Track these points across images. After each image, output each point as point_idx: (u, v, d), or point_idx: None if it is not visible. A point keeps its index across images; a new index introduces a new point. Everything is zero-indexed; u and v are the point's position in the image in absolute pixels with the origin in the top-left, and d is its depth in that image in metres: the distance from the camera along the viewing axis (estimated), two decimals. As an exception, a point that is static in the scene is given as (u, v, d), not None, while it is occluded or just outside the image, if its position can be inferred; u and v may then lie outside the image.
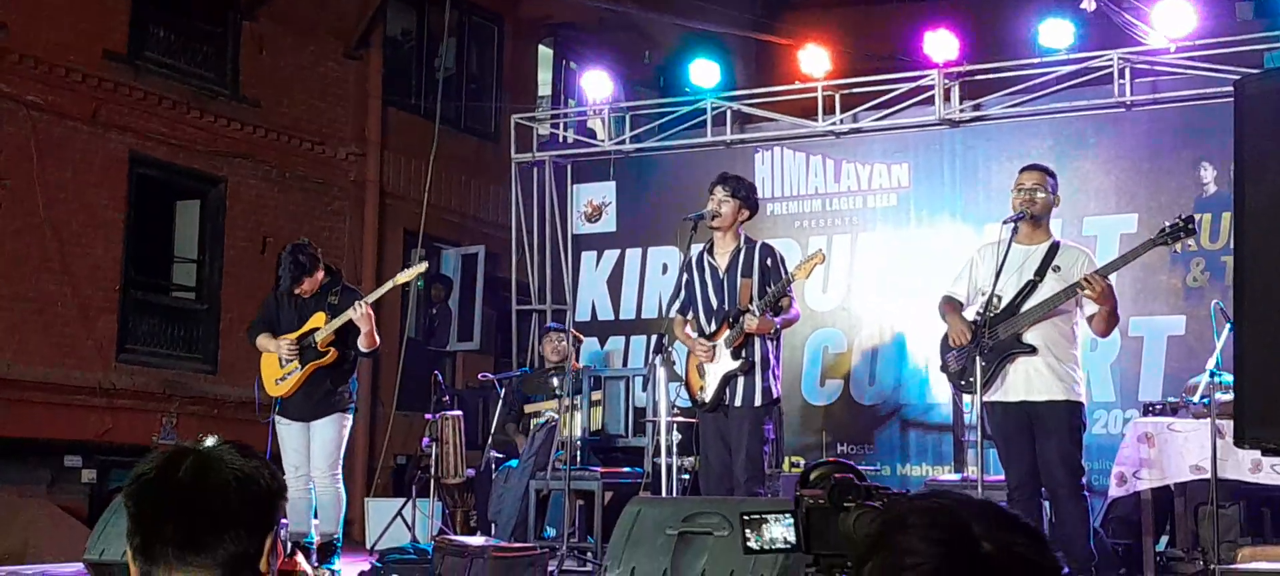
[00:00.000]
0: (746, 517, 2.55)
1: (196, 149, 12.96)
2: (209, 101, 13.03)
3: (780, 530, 2.50)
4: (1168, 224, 6.28)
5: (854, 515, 2.33)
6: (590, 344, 10.55)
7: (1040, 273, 6.35)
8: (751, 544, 2.53)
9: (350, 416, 7.85)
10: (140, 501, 2.13)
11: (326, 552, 7.67)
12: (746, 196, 7.34)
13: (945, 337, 6.64)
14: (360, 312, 7.55)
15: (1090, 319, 6.39)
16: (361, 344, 7.65)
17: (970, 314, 6.50)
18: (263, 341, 7.87)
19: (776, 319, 7.15)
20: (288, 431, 7.74)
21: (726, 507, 6.02)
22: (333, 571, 7.65)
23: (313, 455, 7.67)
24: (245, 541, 2.11)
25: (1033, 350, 6.27)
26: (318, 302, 7.77)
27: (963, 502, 1.57)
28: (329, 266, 7.98)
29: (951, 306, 6.62)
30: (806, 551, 2.35)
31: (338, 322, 7.62)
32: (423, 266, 8.35)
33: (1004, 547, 1.53)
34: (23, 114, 11.48)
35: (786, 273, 7.20)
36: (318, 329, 7.69)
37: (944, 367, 6.68)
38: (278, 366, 7.76)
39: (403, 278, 8.16)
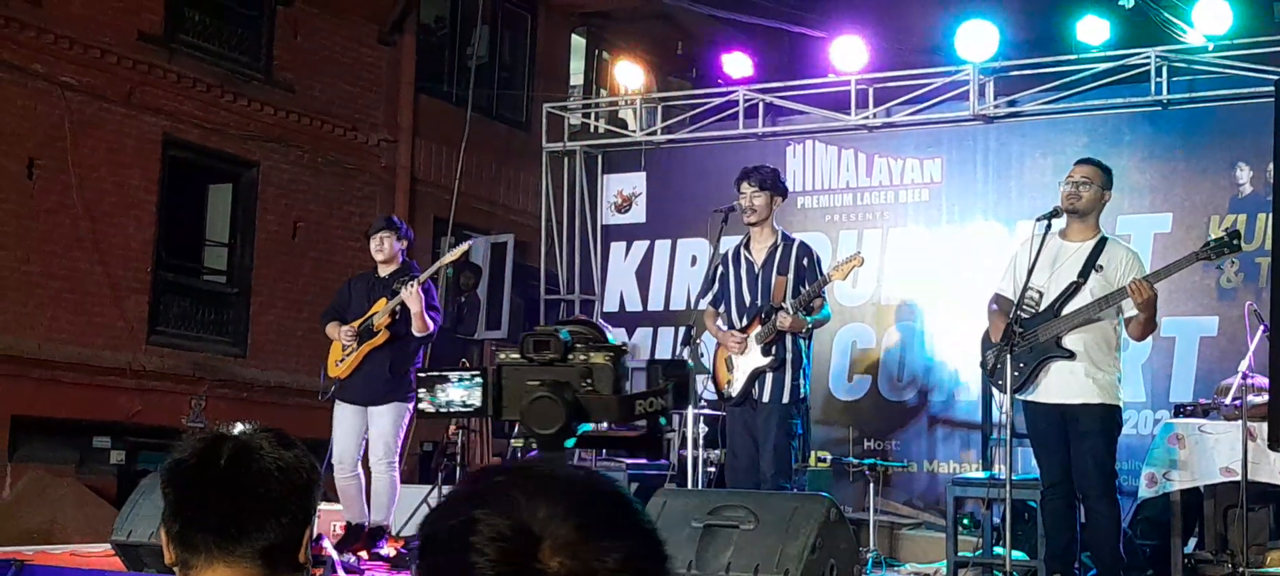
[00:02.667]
0: (422, 376, 2.17)
1: (229, 132, 13.01)
2: (243, 85, 13.08)
3: (459, 392, 2.14)
4: (1213, 238, 6.21)
5: (533, 396, 1.95)
6: (618, 334, 10.53)
7: (1083, 274, 6.27)
8: (425, 406, 2.16)
9: (410, 406, 7.79)
10: (180, 488, 2.12)
11: (375, 537, 7.71)
12: (774, 185, 7.33)
13: (986, 334, 6.59)
14: (410, 291, 7.56)
15: (1129, 321, 6.31)
16: (414, 327, 7.66)
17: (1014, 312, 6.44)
18: (330, 330, 7.95)
19: (809, 319, 7.13)
20: (343, 413, 7.76)
21: (752, 501, 6.01)
22: (377, 555, 7.68)
23: (371, 440, 7.69)
24: (285, 531, 2.10)
25: (1071, 355, 6.21)
26: (384, 288, 7.83)
27: (552, 501, 1.28)
28: (407, 259, 8.02)
29: (1002, 304, 6.53)
30: (495, 417, 1.98)
31: (394, 304, 7.67)
32: (466, 245, 8.39)
33: (581, 570, 1.26)
34: (57, 94, 11.55)
35: (822, 273, 7.18)
36: (377, 313, 7.75)
37: (983, 364, 6.64)
38: (340, 350, 7.84)
39: (449, 257, 8.25)
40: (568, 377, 1.86)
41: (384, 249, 7.84)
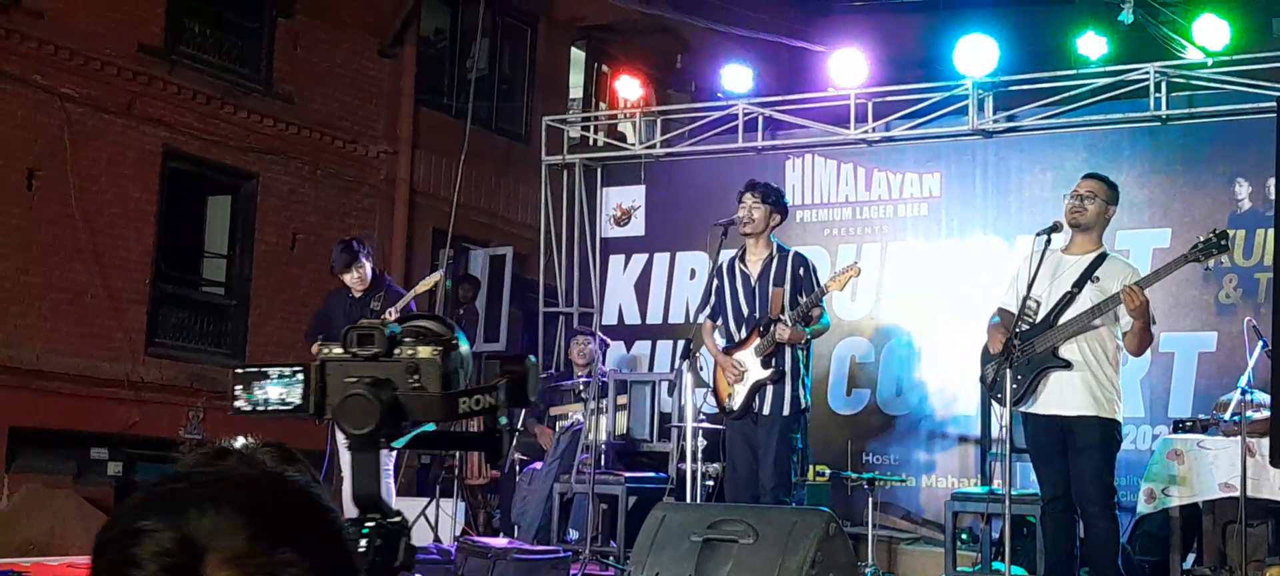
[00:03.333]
0: (238, 371, 2.02)
1: (229, 144, 13.02)
2: (243, 97, 13.09)
3: (278, 389, 1.99)
4: (1201, 239, 6.21)
5: (346, 393, 1.81)
6: (616, 348, 10.53)
7: (1079, 284, 6.28)
8: (240, 405, 2.01)
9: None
10: None
11: None
12: (776, 201, 7.34)
13: (985, 348, 6.59)
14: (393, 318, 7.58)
15: (1125, 335, 6.31)
16: None
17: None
18: (317, 348, 7.91)
19: (807, 329, 7.13)
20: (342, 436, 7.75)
21: (752, 514, 6.00)
22: None
23: None
24: None
25: (1068, 365, 6.21)
26: (362, 308, 7.82)
27: (222, 508, 1.21)
28: (376, 271, 8.03)
29: (1005, 319, 6.52)
30: (319, 416, 1.89)
31: None
32: (438, 276, 8.40)
33: None
34: (57, 105, 11.55)
35: (819, 283, 7.18)
36: None
37: (982, 378, 6.64)
38: None
39: (422, 287, 8.27)
40: (392, 374, 1.78)
41: (359, 278, 7.87)
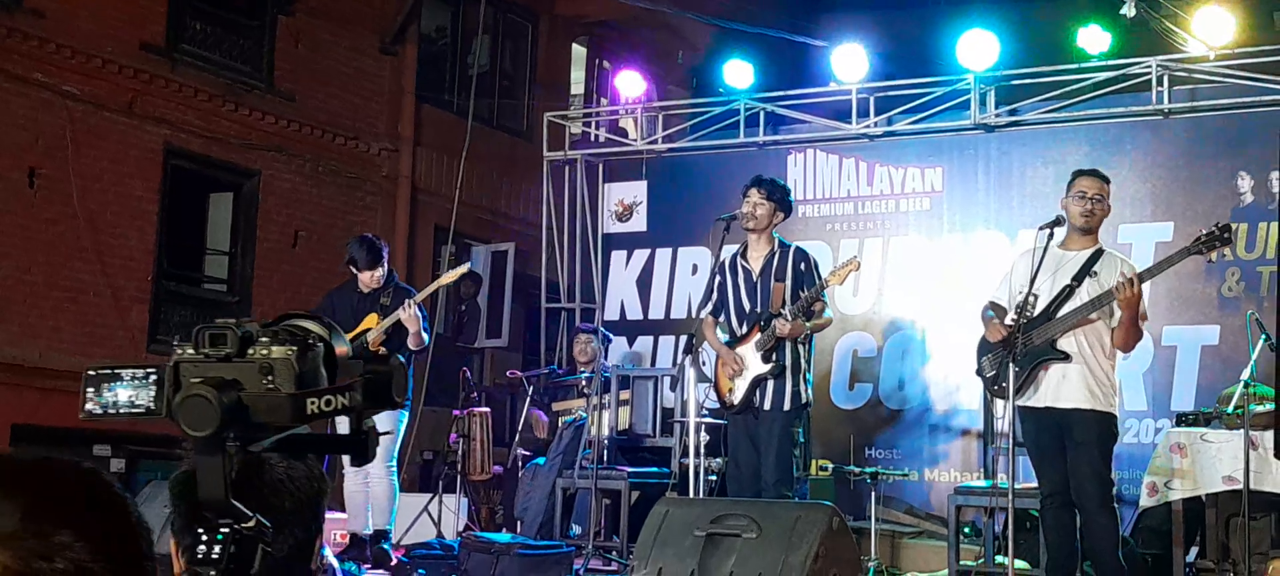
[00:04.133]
0: (90, 372, 1.92)
1: (231, 141, 13.02)
2: (244, 94, 13.09)
3: (128, 391, 1.89)
4: (1204, 232, 6.21)
5: (186, 393, 1.73)
6: (619, 343, 10.53)
7: (1078, 278, 6.29)
8: (91, 407, 1.91)
9: (405, 414, 7.85)
10: (189, 498, 2.12)
11: (377, 540, 7.74)
12: (781, 199, 7.34)
13: (982, 340, 6.59)
14: (409, 313, 7.58)
15: (1114, 331, 6.30)
16: (409, 343, 7.66)
17: (1010, 318, 6.44)
18: None
19: (808, 323, 7.13)
20: (343, 427, 7.73)
21: (755, 509, 6.00)
22: (382, 557, 7.70)
23: None
24: (297, 541, 2.11)
25: (1066, 357, 6.22)
26: (372, 303, 7.81)
27: None
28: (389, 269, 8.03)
29: (995, 310, 6.55)
30: (171, 417, 1.80)
31: (388, 323, 7.65)
32: (464, 268, 8.41)
33: (21, 566, 1.17)
34: (59, 104, 11.56)
35: (820, 278, 7.18)
36: (370, 330, 7.72)
37: (979, 371, 6.64)
38: None
39: (447, 278, 8.24)
40: (241, 375, 1.71)
41: (377, 277, 7.84)
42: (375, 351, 7.69)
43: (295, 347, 1.73)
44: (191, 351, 1.75)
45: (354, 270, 7.91)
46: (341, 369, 1.83)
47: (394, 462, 7.79)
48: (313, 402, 1.72)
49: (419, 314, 7.67)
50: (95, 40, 11.81)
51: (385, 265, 7.87)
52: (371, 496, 7.73)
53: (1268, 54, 9.04)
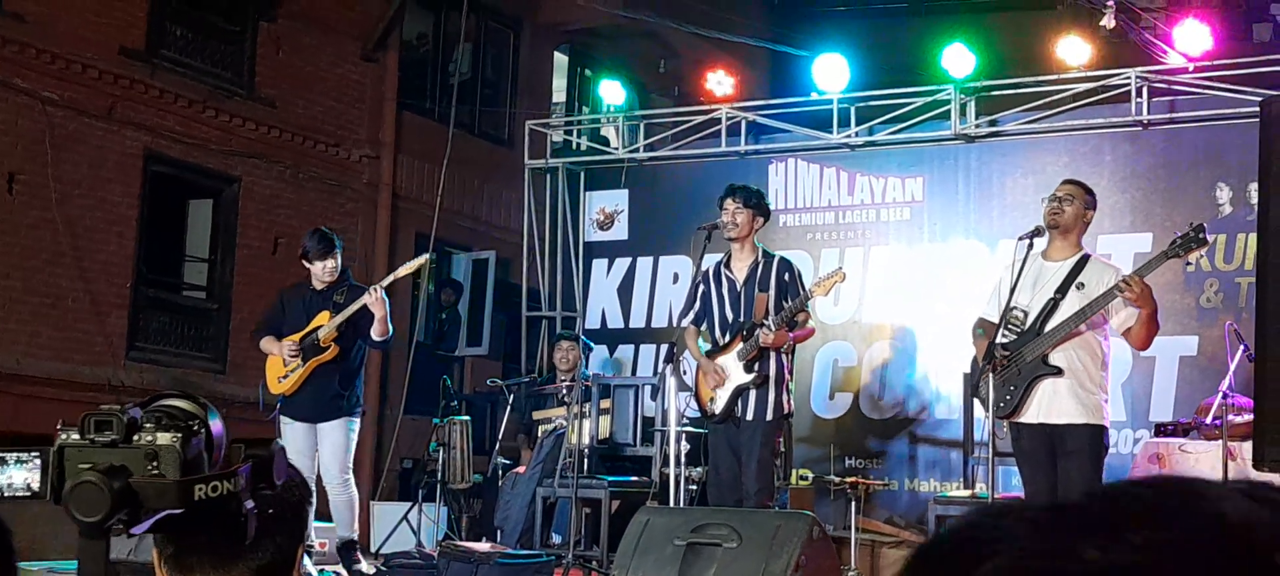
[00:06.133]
0: None
1: (211, 147, 12.98)
2: (225, 100, 13.05)
3: (21, 473, 1.89)
4: (1178, 234, 6.17)
5: (77, 480, 1.73)
6: (600, 352, 10.53)
7: (1062, 290, 6.26)
8: None
9: (358, 420, 7.81)
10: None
11: (348, 551, 7.67)
12: (758, 204, 7.35)
13: (974, 360, 6.58)
14: (374, 297, 7.48)
15: (1126, 332, 6.23)
16: (374, 332, 7.58)
17: (999, 335, 6.39)
18: (266, 343, 7.82)
19: (791, 334, 7.14)
20: (292, 432, 7.68)
21: (736, 519, 6.01)
22: (355, 570, 7.64)
23: (323, 459, 7.62)
24: (279, 549, 2.11)
25: (1059, 372, 6.16)
26: (324, 301, 7.73)
27: None
28: (343, 265, 7.94)
29: (986, 329, 6.50)
30: (56, 501, 1.79)
31: (345, 315, 7.56)
32: (426, 257, 8.34)
33: None
34: (38, 109, 11.51)
35: (804, 288, 7.19)
36: (321, 327, 7.63)
37: (977, 394, 6.57)
38: (281, 365, 7.73)
39: (408, 267, 8.10)
40: (129, 460, 1.72)
41: (330, 269, 7.74)
42: (325, 345, 7.61)
43: (180, 433, 1.76)
44: (77, 436, 1.76)
45: (306, 263, 7.80)
46: (223, 451, 1.87)
47: (350, 472, 7.72)
48: (200, 488, 1.75)
49: (385, 299, 7.58)
50: (75, 45, 11.77)
51: (338, 258, 7.75)
52: (333, 507, 7.65)
53: (1245, 65, 9.09)
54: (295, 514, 2.15)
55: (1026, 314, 6.26)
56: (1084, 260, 6.34)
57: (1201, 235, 6.10)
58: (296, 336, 7.67)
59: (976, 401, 6.79)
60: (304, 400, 7.66)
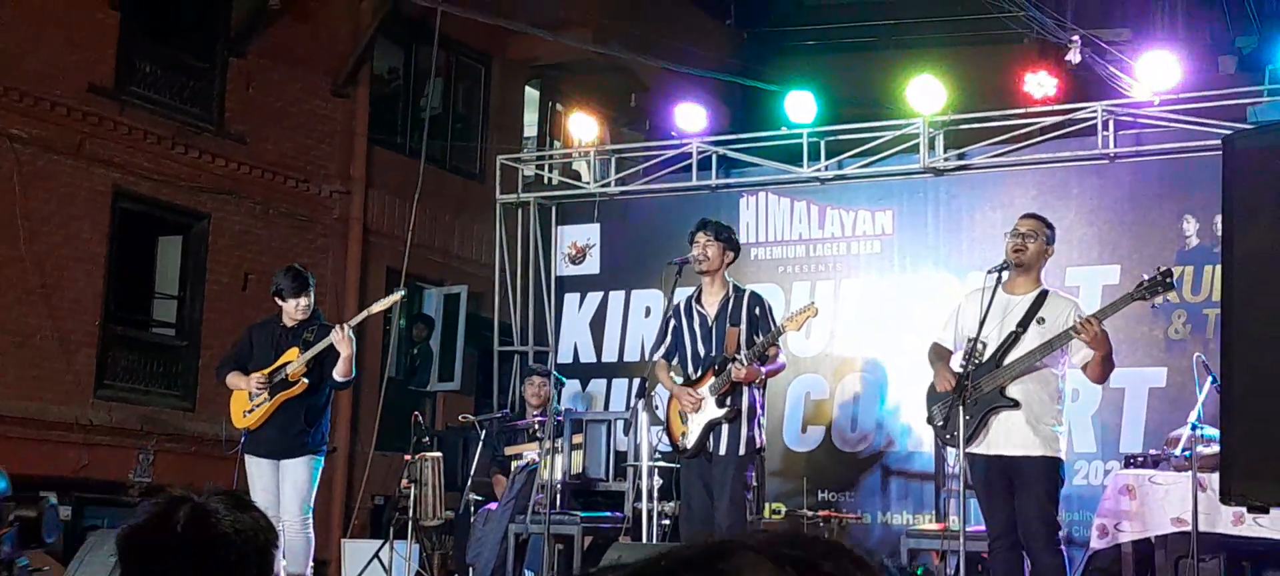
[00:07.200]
0: None
1: (181, 184, 12.93)
2: (194, 137, 13.01)
3: None
4: (1146, 277, 6.27)
5: None
6: (572, 386, 10.50)
7: (1023, 324, 6.34)
8: None
9: (322, 458, 7.75)
10: (137, 555, 2.10)
11: None
12: (728, 239, 7.39)
13: (931, 388, 6.62)
14: (340, 336, 7.46)
15: (1085, 366, 6.36)
16: (337, 372, 7.56)
17: (956, 362, 6.48)
18: (232, 379, 7.78)
19: (763, 368, 7.14)
20: (257, 468, 7.64)
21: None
22: None
23: (283, 496, 7.54)
24: None
25: (1015, 404, 6.26)
26: (294, 338, 7.70)
27: None
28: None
29: (940, 353, 6.61)
30: None
31: (313, 352, 7.54)
32: (400, 294, 8.31)
33: None
34: (6, 146, 11.45)
35: (775, 323, 7.20)
36: (289, 363, 7.61)
37: (930, 420, 6.66)
38: (247, 400, 7.69)
39: (380, 306, 8.09)
40: None
41: (304, 307, 7.72)
42: (293, 380, 7.58)
43: None
44: None
45: (279, 300, 7.78)
46: None
47: (309, 512, 7.66)
48: None
49: (352, 338, 7.57)
50: (43, 82, 11.72)
51: (310, 296, 7.74)
52: (286, 545, 7.57)
53: (1211, 98, 9.17)
54: (260, 556, 2.13)
55: (985, 345, 6.32)
56: (1043, 295, 6.42)
57: (1168, 280, 6.17)
58: (265, 372, 7.64)
59: (938, 434, 6.81)
60: (269, 435, 7.62)
